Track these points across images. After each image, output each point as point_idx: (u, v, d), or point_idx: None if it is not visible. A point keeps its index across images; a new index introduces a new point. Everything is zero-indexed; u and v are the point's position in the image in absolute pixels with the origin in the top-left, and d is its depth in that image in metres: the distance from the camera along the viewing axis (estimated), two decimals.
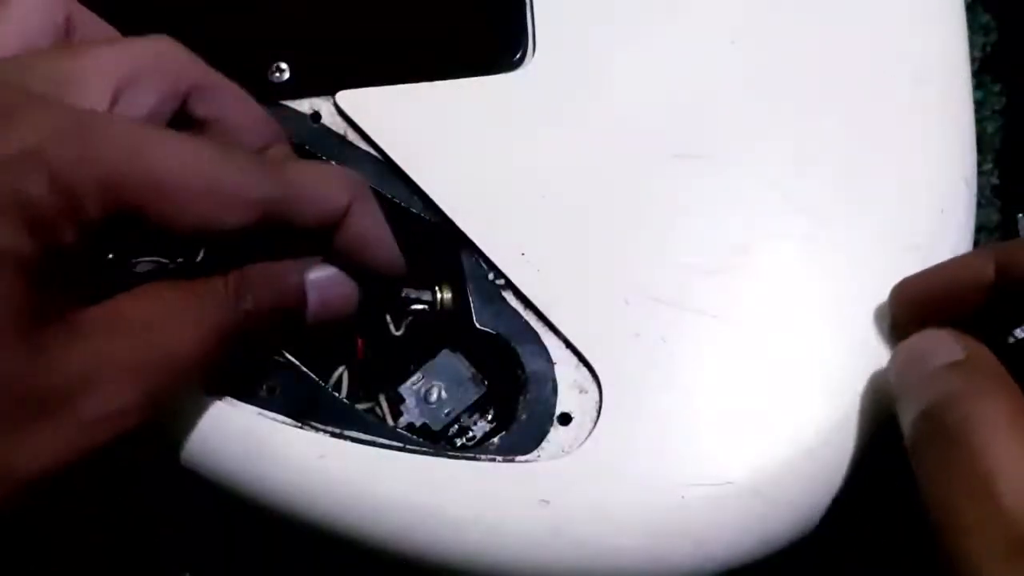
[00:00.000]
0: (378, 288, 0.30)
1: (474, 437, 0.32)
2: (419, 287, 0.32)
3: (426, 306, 0.32)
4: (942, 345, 0.26)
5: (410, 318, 0.32)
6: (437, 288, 0.32)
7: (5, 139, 0.20)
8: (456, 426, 0.32)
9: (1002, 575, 0.20)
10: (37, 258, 0.21)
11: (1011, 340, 0.29)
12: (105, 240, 0.22)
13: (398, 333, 0.32)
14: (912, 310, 0.29)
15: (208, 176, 0.23)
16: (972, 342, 0.25)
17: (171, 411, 0.28)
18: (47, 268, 0.21)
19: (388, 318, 0.32)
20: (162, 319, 0.23)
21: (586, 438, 0.29)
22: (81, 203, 0.21)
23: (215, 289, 0.25)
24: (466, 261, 0.31)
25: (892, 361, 0.28)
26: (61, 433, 0.21)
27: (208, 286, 0.25)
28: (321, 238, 0.27)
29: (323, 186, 0.26)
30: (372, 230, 0.28)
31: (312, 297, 0.27)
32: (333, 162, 0.32)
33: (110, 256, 0.28)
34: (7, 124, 0.21)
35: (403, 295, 0.32)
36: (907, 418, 0.25)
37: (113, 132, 0.22)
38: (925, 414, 0.24)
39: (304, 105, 0.33)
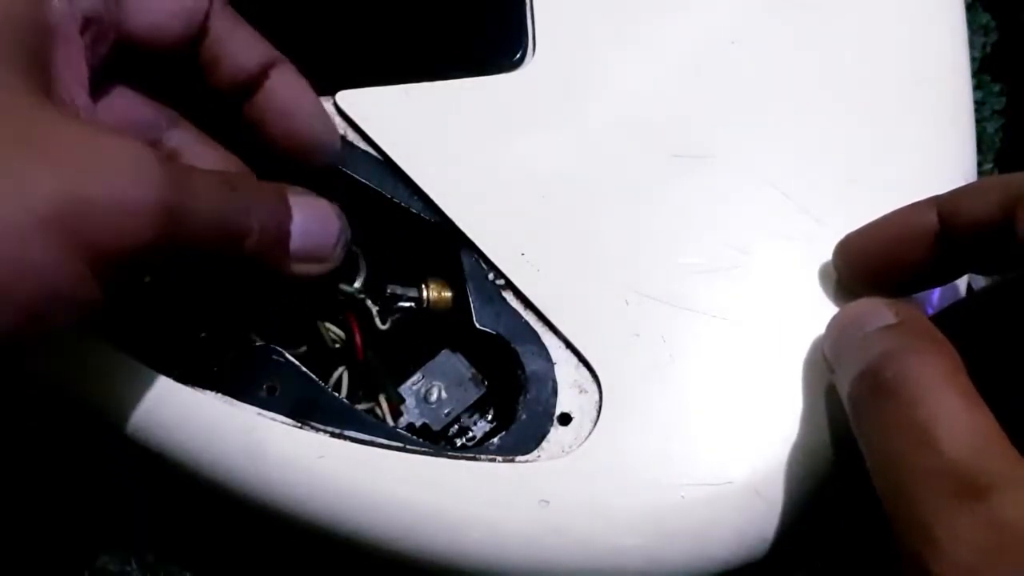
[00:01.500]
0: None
1: (474, 437, 0.32)
2: (406, 284, 0.32)
3: (412, 303, 0.32)
4: (875, 311, 0.26)
5: (397, 315, 0.32)
6: (424, 285, 0.32)
7: None
8: (456, 426, 0.32)
9: (951, 517, 0.21)
10: (40, 20, 0.22)
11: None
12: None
13: (384, 327, 0.32)
14: (858, 266, 0.30)
15: None
16: (904, 307, 0.26)
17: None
18: (48, 40, 0.22)
19: (374, 313, 0.32)
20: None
21: (586, 438, 0.29)
22: None
23: (210, 171, 0.25)
24: (466, 261, 0.31)
25: (826, 331, 0.28)
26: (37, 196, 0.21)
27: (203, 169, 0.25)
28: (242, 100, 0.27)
29: (246, 33, 0.28)
30: (296, 93, 0.28)
31: (296, 220, 0.27)
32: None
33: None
34: None
35: (389, 292, 0.32)
36: (844, 382, 0.25)
37: None
38: (862, 375, 0.24)
39: None
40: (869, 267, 0.29)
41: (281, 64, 0.28)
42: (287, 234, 0.26)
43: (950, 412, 0.22)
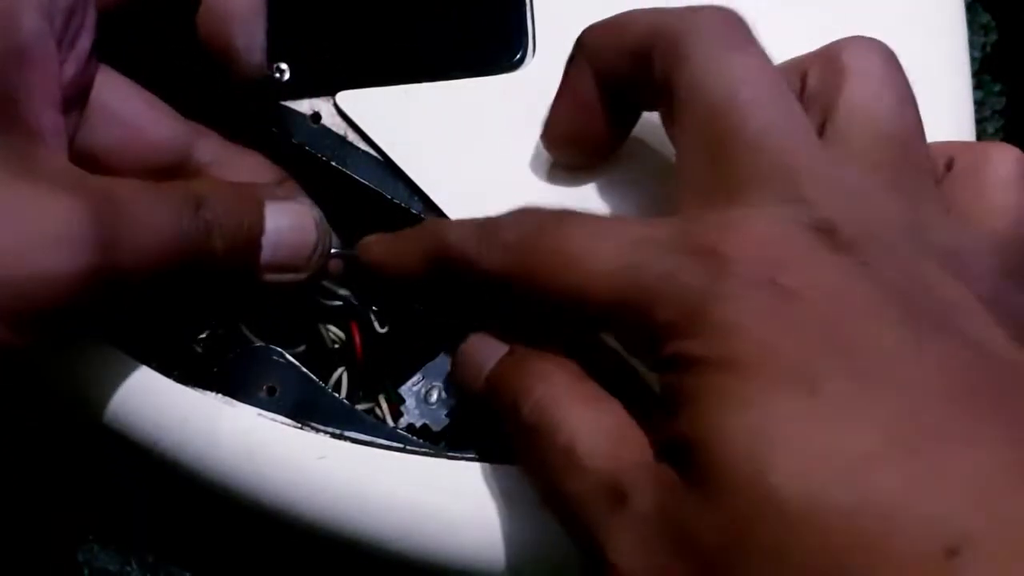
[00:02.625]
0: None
1: (474, 438, 0.32)
2: None
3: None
4: (485, 347, 0.26)
5: (396, 317, 0.32)
6: None
7: None
8: (457, 426, 0.32)
9: (613, 532, 0.20)
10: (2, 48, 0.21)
11: None
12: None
13: (383, 331, 0.32)
14: (562, 146, 0.30)
15: None
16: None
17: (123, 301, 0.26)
18: (14, 65, 0.21)
19: (372, 315, 0.32)
20: (135, 207, 0.23)
21: None
22: None
23: (173, 190, 0.24)
24: None
25: (455, 377, 0.28)
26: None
27: (168, 187, 0.24)
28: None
29: None
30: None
31: (269, 229, 0.27)
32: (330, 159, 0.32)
33: None
34: None
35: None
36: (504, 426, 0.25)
37: None
38: (503, 420, 0.25)
39: (304, 105, 0.33)
40: (573, 144, 0.30)
41: None
42: (257, 246, 0.26)
43: (582, 425, 0.22)
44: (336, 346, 0.32)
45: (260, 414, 0.28)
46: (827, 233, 0.20)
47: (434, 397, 0.32)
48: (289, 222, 0.27)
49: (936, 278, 0.20)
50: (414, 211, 0.32)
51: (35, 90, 0.23)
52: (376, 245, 0.28)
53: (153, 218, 0.23)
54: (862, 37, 0.26)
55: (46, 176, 0.22)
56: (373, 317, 0.32)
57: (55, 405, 0.30)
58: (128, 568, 0.40)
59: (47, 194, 0.21)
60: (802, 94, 0.26)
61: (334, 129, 0.33)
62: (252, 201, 0.26)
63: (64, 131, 0.23)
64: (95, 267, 0.22)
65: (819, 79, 0.26)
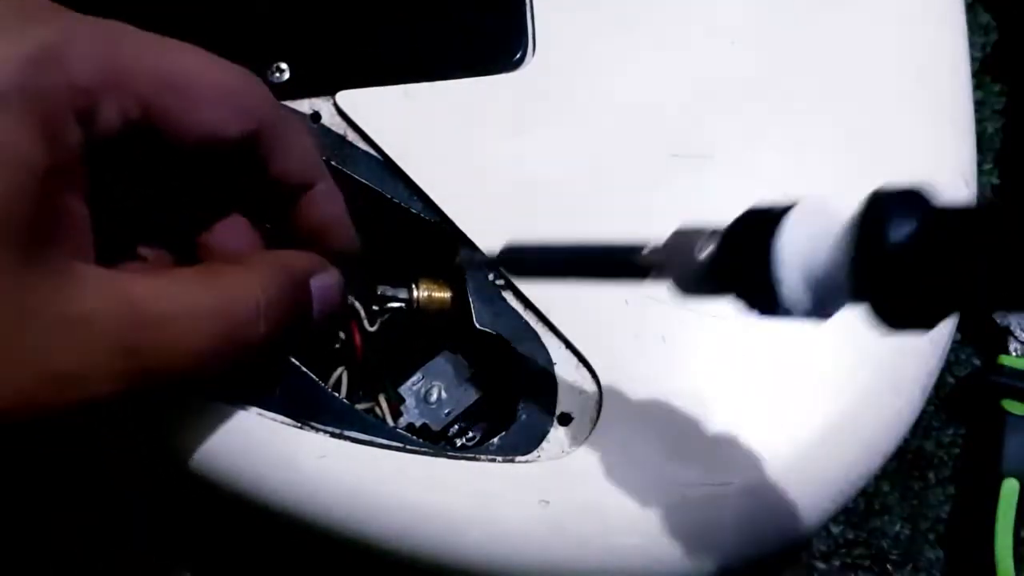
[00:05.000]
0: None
1: (474, 437, 0.32)
2: (397, 285, 0.32)
3: (402, 304, 0.32)
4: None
5: (387, 315, 0.32)
6: (414, 285, 0.32)
7: (23, 37, 0.20)
8: (456, 426, 0.32)
9: None
10: (47, 166, 0.20)
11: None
12: (114, 157, 0.22)
13: (372, 329, 0.32)
14: None
15: (219, 80, 0.24)
16: None
17: (157, 405, 0.27)
18: (55, 183, 0.20)
19: (363, 314, 0.32)
20: (178, 311, 0.22)
21: (586, 438, 0.29)
22: (96, 103, 0.21)
23: (246, 306, 0.24)
24: None
25: None
26: (26, 375, 0.20)
27: (241, 300, 0.24)
28: (283, 207, 0.27)
29: (305, 143, 0.27)
30: (336, 208, 0.28)
31: (315, 307, 0.27)
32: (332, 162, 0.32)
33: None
34: (26, 24, 0.20)
35: (379, 293, 0.32)
36: None
37: (131, 35, 0.22)
38: None
39: (304, 105, 0.33)
40: None
41: (322, 181, 0.27)
42: (304, 329, 0.26)
43: None
44: (336, 346, 0.32)
45: (260, 413, 0.28)
46: None
47: (434, 397, 0.32)
48: (323, 295, 0.27)
49: None
50: (414, 210, 0.32)
51: (72, 202, 0.22)
52: None
53: (191, 329, 0.23)
54: None
55: (78, 300, 0.21)
56: (363, 315, 0.32)
57: None
58: (128, 568, 0.40)
59: (81, 327, 0.21)
60: None
61: (334, 129, 0.33)
62: (305, 295, 0.26)
63: (89, 222, 0.23)
64: (126, 375, 0.21)
65: None
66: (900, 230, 0.19)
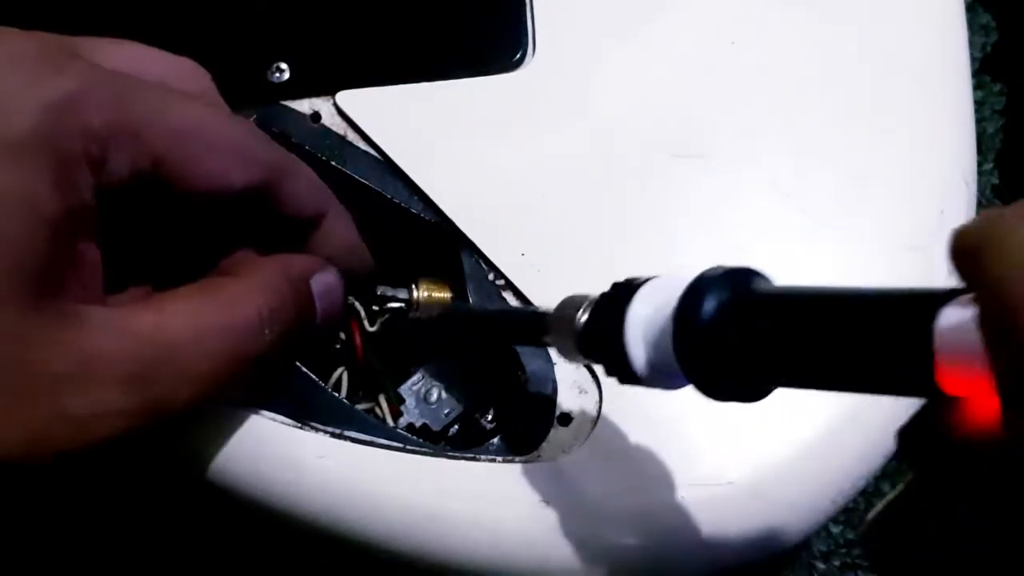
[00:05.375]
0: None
1: (474, 437, 0.32)
2: (397, 285, 0.32)
3: (402, 304, 0.32)
4: None
5: (386, 316, 0.32)
6: (414, 286, 0.32)
7: (41, 85, 0.21)
8: (456, 426, 0.32)
9: None
10: (59, 213, 0.20)
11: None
12: (122, 204, 0.22)
13: (372, 329, 0.32)
14: None
15: (224, 133, 0.24)
16: None
17: (174, 422, 0.28)
18: (66, 229, 0.21)
19: (363, 314, 0.32)
20: (183, 337, 0.23)
21: (586, 438, 0.29)
22: (108, 152, 0.22)
23: (248, 318, 0.24)
24: (466, 261, 0.31)
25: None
26: (39, 419, 0.21)
27: (243, 313, 0.24)
28: (296, 240, 0.27)
29: (311, 177, 0.27)
30: (349, 234, 0.28)
31: (318, 306, 0.27)
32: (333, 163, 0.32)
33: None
34: (44, 71, 0.21)
35: (379, 293, 0.32)
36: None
37: (143, 89, 0.23)
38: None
39: (304, 105, 0.33)
40: None
41: (332, 209, 0.28)
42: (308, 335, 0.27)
43: None
44: (336, 346, 0.32)
45: (260, 414, 0.28)
46: None
47: (434, 397, 0.32)
48: (329, 299, 0.27)
49: None
50: (414, 210, 0.32)
51: (82, 245, 0.22)
52: None
53: (198, 353, 0.23)
54: None
55: (89, 338, 0.22)
56: (363, 315, 0.32)
57: None
58: (128, 568, 0.40)
59: (93, 357, 0.21)
60: None
61: (334, 129, 0.33)
62: (307, 298, 0.26)
63: (100, 263, 0.23)
64: (138, 410, 0.22)
65: None
66: (709, 305, 0.20)
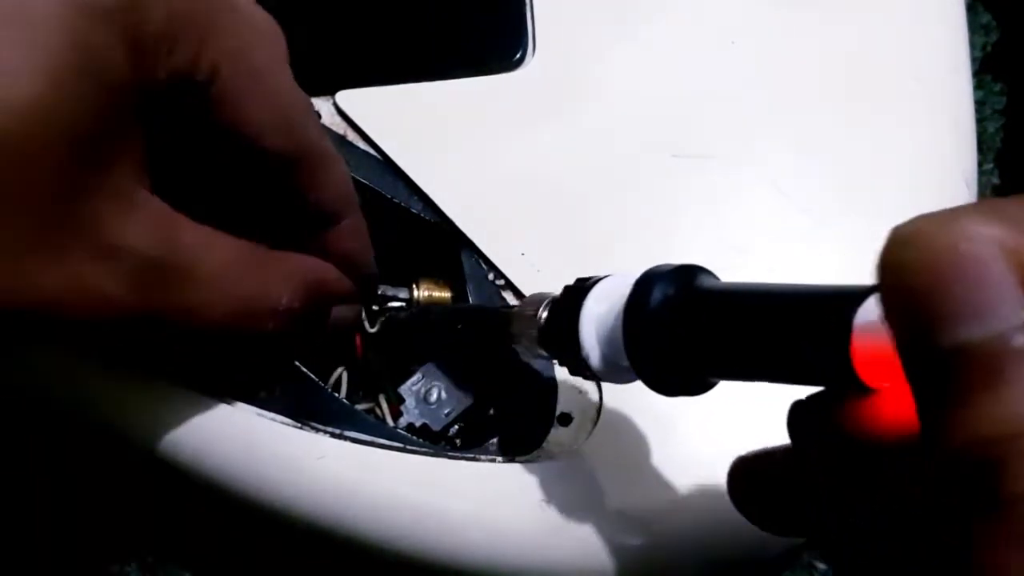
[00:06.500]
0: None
1: (474, 437, 0.32)
2: (397, 285, 0.32)
3: (403, 303, 0.32)
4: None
5: (387, 315, 0.32)
6: (414, 286, 0.32)
7: None
8: (456, 426, 0.32)
9: None
10: (129, 84, 0.20)
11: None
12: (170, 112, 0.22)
13: (372, 330, 0.32)
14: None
15: (284, 94, 0.24)
16: None
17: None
18: (132, 102, 0.21)
19: (363, 315, 0.32)
20: (211, 279, 0.23)
21: (586, 438, 0.29)
22: (178, 41, 0.21)
23: (267, 301, 0.24)
24: (466, 261, 0.31)
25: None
26: (71, 273, 0.20)
27: (266, 294, 0.24)
28: (311, 233, 0.27)
29: (342, 178, 0.27)
30: (361, 242, 0.28)
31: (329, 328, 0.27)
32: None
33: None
34: None
35: (380, 293, 0.32)
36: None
37: (236, 10, 0.23)
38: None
39: None
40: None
41: (352, 215, 0.28)
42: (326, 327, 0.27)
43: None
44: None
45: (260, 413, 0.28)
46: None
47: (434, 397, 0.32)
48: (340, 325, 0.28)
49: None
50: (413, 210, 0.32)
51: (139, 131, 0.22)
52: None
53: (213, 299, 0.23)
54: None
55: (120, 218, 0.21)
56: (363, 316, 0.32)
57: (54, 405, 0.30)
58: (128, 568, 0.40)
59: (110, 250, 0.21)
60: None
61: (334, 128, 0.33)
62: (326, 313, 0.27)
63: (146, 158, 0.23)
64: (136, 306, 0.22)
65: None
66: (654, 300, 0.21)
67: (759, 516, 0.22)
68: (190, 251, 0.22)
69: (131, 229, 0.21)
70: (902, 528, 0.19)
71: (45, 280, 0.20)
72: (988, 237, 0.15)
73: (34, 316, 0.21)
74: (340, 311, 0.27)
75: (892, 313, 0.16)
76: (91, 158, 0.20)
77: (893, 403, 0.17)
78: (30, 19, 0.19)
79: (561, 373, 0.30)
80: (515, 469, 0.28)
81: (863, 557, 0.20)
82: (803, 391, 0.20)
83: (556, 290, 0.29)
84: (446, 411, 0.32)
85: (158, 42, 0.21)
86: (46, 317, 0.21)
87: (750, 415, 0.29)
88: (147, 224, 0.21)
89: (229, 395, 0.28)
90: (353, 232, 0.28)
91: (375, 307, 0.32)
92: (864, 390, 0.18)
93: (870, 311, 0.17)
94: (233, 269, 0.23)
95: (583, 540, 0.28)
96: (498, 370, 0.32)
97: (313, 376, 0.30)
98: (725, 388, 0.30)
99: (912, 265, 0.16)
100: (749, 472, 0.23)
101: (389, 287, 0.32)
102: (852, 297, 0.17)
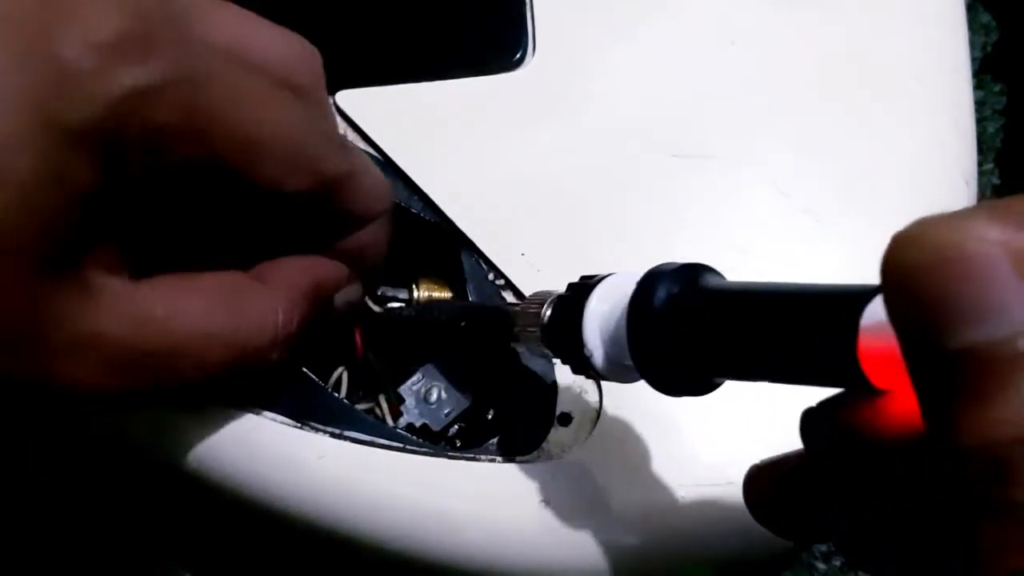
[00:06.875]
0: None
1: (474, 437, 0.32)
2: (397, 285, 0.32)
3: (403, 304, 0.32)
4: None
5: (389, 312, 0.32)
6: (414, 286, 0.32)
7: (129, 74, 0.20)
8: (456, 426, 0.32)
9: None
10: (94, 189, 0.20)
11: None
12: (163, 187, 0.22)
13: (378, 310, 0.32)
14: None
15: (293, 140, 0.23)
16: None
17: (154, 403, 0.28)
18: (101, 203, 0.20)
19: (368, 302, 0.32)
20: (187, 337, 0.23)
21: (586, 438, 0.29)
22: (166, 146, 0.21)
23: (262, 328, 0.24)
24: (466, 261, 0.31)
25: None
26: (40, 370, 0.21)
27: (257, 323, 0.24)
28: (332, 237, 0.27)
29: (372, 185, 0.26)
30: (382, 241, 0.28)
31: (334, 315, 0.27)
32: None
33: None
34: (140, 59, 0.20)
35: (380, 292, 0.32)
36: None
37: (228, 76, 0.22)
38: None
39: None
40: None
41: (381, 220, 0.27)
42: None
43: None
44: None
45: (260, 414, 0.28)
46: None
47: (434, 397, 0.32)
48: (346, 309, 0.28)
49: None
50: (413, 210, 0.32)
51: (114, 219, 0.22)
52: None
53: (201, 354, 0.23)
54: None
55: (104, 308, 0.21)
56: (369, 303, 0.32)
57: (54, 405, 0.30)
58: (128, 568, 0.40)
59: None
60: None
61: None
62: (326, 312, 0.26)
63: (130, 241, 0.23)
64: (126, 384, 0.22)
65: None
66: (659, 298, 0.21)
67: (776, 523, 0.22)
68: (165, 325, 0.22)
69: (101, 321, 0.21)
70: (913, 531, 0.19)
71: (16, 375, 0.20)
72: (995, 238, 0.15)
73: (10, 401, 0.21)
74: (342, 297, 0.27)
75: (896, 315, 0.16)
76: (56, 261, 0.20)
77: (903, 404, 0.17)
78: None
79: (561, 373, 0.30)
80: (515, 469, 0.28)
81: (876, 560, 0.20)
82: (805, 391, 0.20)
83: (557, 290, 0.29)
84: (446, 411, 0.32)
85: (141, 149, 0.20)
86: (23, 403, 0.21)
87: (750, 415, 0.29)
88: (118, 312, 0.21)
89: (229, 396, 0.28)
90: (377, 232, 0.27)
91: (376, 307, 0.32)
92: (873, 391, 0.18)
93: (878, 311, 0.17)
94: (214, 323, 0.23)
95: (583, 540, 0.28)
96: (498, 370, 0.32)
97: (313, 376, 0.30)
98: (725, 389, 0.30)
99: (917, 266, 0.16)
100: (765, 479, 0.23)
101: (389, 287, 0.32)
102: (860, 296, 0.17)
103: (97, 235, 0.21)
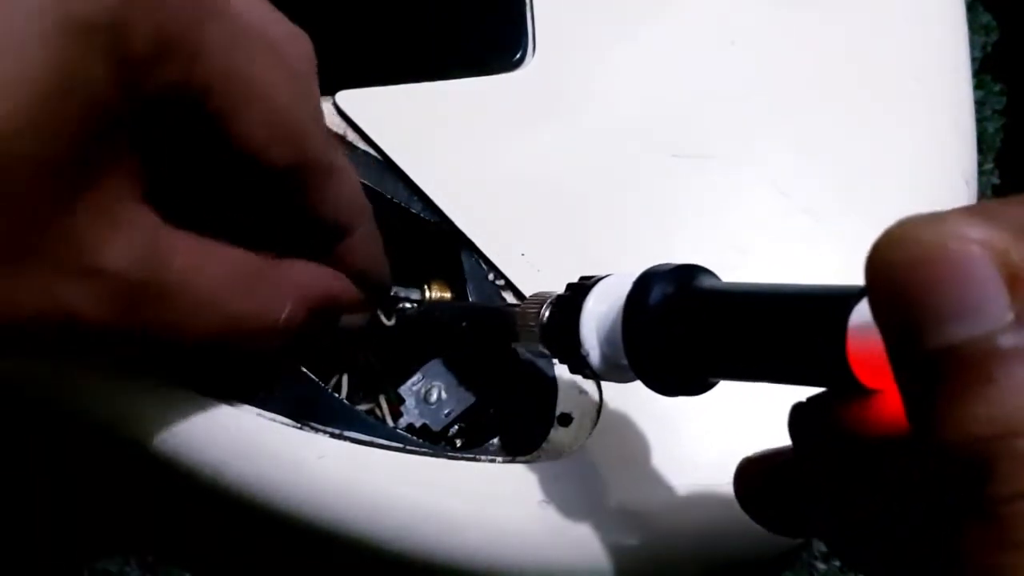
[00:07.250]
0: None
1: (474, 437, 0.32)
2: (407, 285, 0.32)
3: (416, 304, 0.32)
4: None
5: (398, 311, 0.32)
6: (427, 287, 0.32)
7: None
8: (456, 426, 0.32)
9: None
10: (115, 101, 0.20)
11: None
12: (166, 127, 0.22)
13: (390, 323, 0.32)
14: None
15: (288, 108, 0.23)
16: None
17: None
18: (120, 120, 0.20)
19: (379, 312, 0.32)
20: (202, 300, 0.22)
21: (586, 438, 0.29)
22: (163, 60, 0.21)
23: (267, 318, 0.24)
24: (466, 261, 0.31)
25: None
26: (43, 292, 0.20)
27: (267, 311, 0.24)
28: (321, 246, 0.27)
29: (352, 189, 0.26)
30: (374, 254, 0.28)
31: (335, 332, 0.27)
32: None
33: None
34: None
35: (393, 293, 0.32)
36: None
37: (232, 20, 0.22)
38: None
39: None
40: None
41: (366, 228, 0.27)
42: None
43: None
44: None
45: (260, 413, 0.28)
46: None
47: (434, 397, 0.32)
48: (347, 330, 0.28)
49: None
50: (413, 210, 0.32)
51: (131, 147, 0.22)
52: None
53: (206, 319, 0.23)
54: None
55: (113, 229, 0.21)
56: (379, 312, 0.32)
57: (54, 405, 0.30)
58: (128, 568, 0.40)
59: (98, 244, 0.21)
60: None
61: (334, 129, 0.33)
62: (332, 324, 0.27)
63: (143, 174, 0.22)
64: (122, 324, 0.21)
65: None
66: (654, 299, 0.22)
67: (765, 517, 0.23)
68: (177, 269, 0.22)
69: (114, 248, 0.21)
70: (901, 529, 0.19)
71: (16, 296, 0.20)
72: (976, 237, 0.15)
73: (5, 331, 0.20)
74: (347, 320, 0.27)
75: (880, 313, 0.16)
76: (71, 175, 0.20)
77: (891, 403, 0.17)
78: (10, 36, 0.18)
79: (561, 373, 0.30)
80: (515, 469, 0.28)
81: (865, 557, 0.20)
82: (802, 391, 0.20)
83: (556, 290, 0.29)
84: (446, 411, 0.32)
85: (145, 59, 0.20)
86: (18, 333, 0.20)
87: (749, 415, 0.29)
88: (132, 243, 0.21)
89: (229, 395, 0.28)
90: (365, 244, 0.27)
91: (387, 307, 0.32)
92: (862, 390, 0.18)
93: (866, 311, 0.17)
94: (224, 287, 0.23)
95: (583, 540, 0.28)
96: (498, 370, 0.32)
97: (313, 376, 0.30)
98: (724, 388, 0.30)
99: (899, 265, 0.16)
100: (755, 473, 0.23)
101: (401, 288, 0.32)
102: (848, 297, 0.17)
103: (114, 158, 0.21)
